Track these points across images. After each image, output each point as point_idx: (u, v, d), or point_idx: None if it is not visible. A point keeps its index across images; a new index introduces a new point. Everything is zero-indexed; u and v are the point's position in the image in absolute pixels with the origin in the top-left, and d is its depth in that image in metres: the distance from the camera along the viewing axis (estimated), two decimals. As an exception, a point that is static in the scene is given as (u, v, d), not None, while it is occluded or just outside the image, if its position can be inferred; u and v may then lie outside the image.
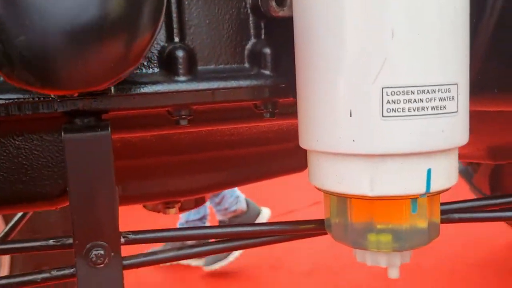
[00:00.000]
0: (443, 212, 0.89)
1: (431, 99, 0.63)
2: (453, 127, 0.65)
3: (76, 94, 0.70)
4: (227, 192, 2.92)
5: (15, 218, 1.26)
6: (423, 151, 0.64)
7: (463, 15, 0.67)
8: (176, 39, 0.83)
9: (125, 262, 0.80)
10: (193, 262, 3.30)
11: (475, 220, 0.89)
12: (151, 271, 3.10)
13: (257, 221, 3.10)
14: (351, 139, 0.64)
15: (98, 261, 0.76)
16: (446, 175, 0.67)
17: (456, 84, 0.65)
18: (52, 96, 0.72)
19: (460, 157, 1.35)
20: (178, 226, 3.00)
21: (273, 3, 0.81)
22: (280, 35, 0.85)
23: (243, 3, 0.87)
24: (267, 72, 0.85)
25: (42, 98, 0.71)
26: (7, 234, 1.13)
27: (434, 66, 0.63)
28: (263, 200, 3.67)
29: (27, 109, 0.72)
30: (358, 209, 0.71)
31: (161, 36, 0.82)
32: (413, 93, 0.62)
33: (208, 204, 3.40)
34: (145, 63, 0.81)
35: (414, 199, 0.67)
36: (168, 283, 3.13)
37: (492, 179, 2.83)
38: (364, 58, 0.63)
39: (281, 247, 3.59)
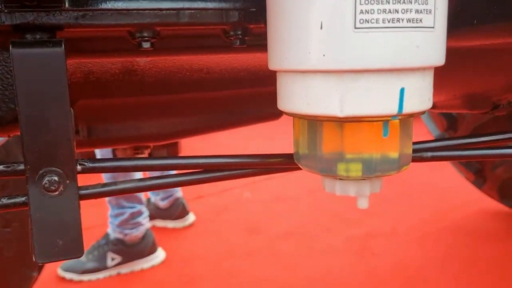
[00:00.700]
0: (415, 151, 0.87)
1: (407, 11, 0.59)
2: (429, 44, 0.61)
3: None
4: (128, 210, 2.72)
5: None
6: (396, 67, 0.60)
7: None
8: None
9: (81, 192, 0.76)
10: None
11: (447, 158, 0.87)
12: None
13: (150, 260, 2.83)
14: (321, 54, 0.60)
15: (52, 187, 0.71)
16: (420, 96, 0.64)
17: (434, -3, 0.61)
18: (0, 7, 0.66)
19: (437, 106, 1.33)
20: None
21: None
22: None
23: None
24: (237, -5, 0.80)
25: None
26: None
27: (412, -26, 0.59)
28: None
29: (-29, 20, 0.66)
30: (328, 138, 0.68)
31: None
32: (388, 3, 0.58)
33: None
34: (104, -23, 0.74)
35: (385, 121, 0.64)
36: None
37: (501, 190, 2.88)
38: (337, -36, 0.58)
39: (259, 213, 3.58)
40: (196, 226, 3.32)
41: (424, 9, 0.60)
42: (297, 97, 0.65)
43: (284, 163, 0.81)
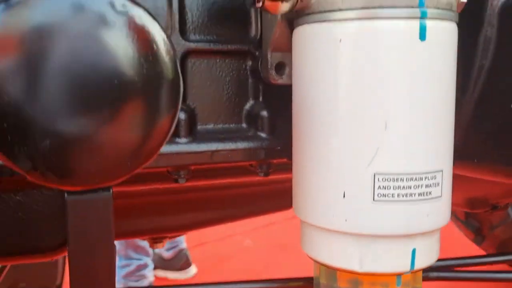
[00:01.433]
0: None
1: (418, 186, 0.68)
2: (437, 211, 0.70)
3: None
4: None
5: None
6: (409, 233, 0.69)
7: (450, 107, 0.72)
8: (178, 101, 0.86)
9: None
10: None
11: (452, 279, 0.95)
12: None
13: None
14: (344, 219, 0.69)
15: (94, 315, 0.79)
16: (429, 253, 0.72)
17: (441, 170, 0.70)
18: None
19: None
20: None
21: (273, 72, 0.85)
22: (278, 98, 0.89)
23: (244, 66, 0.91)
24: (263, 135, 0.89)
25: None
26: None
27: (423, 155, 0.68)
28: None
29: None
30: (346, 277, 0.76)
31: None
32: (402, 180, 0.67)
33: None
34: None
35: (399, 275, 0.72)
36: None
37: (500, 249, 2.95)
38: (358, 145, 0.68)
39: (260, 261, 3.56)
40: (197, 277, 3.37)
41: (433, 183, 0.69)
42: (320, 248, 0.74)
43: (304, 286, 0.89)
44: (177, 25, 0.85)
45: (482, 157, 0.91)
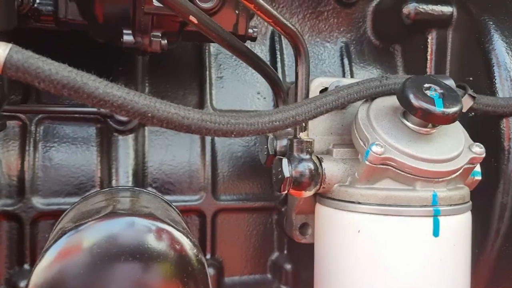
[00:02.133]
0: None
1: None
2: None
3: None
4: None
5: None
6: None
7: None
8: (208, 255, 0.92)
9: None
10: None
11: None
12: None
13: None
14: None
15: None
16: None
17: None
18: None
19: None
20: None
21: (297, 232, 0.91)
22: (302, 252, 0.94)
23: (270, 220, 0.97)
24: (286, 288, 0.94)
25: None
26: None
27: None
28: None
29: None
30: None
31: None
32: None
33: None
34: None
35: None
36: None
37: None
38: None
39: None
40: None
41: None
42: None
43: None
44: (209, 187, 0.92)
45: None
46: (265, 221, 0.97)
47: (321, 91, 0.86)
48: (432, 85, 0.74)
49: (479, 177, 0.84)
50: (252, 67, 0.82)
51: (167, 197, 0.90)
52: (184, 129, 0.59)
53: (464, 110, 0.80)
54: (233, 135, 0.63)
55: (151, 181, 0.91)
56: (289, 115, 0.68)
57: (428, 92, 0.73)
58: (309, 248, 0.86)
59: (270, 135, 0.85)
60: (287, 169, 0.76)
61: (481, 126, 0.95)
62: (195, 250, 0.63)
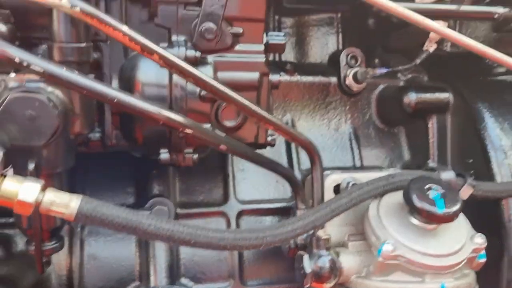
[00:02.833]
0: None
1: None
2: None
3: None
4: None
5: None
6: None
7: None
8: None
9: None
10: None
11: None
12: None
13: None
14: None
15: None
16: None
17: None
18: None
19: None
20: None
21: None
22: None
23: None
24: None
25: None
26: None
27: None
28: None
29: None
30: None
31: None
32: None
33: None
34: None
35: None
36: None
37: None
38: None
39: None
40: None
41: None
42: None
43: None
44: (237, 274, 1.01)
45: None
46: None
47: (335, 188, 0.96)
48: (434, 185, 0.84)
49: (483, 260, 0.92)
50: (272, 171, 0.92)
51: (199, 286, 0.99)
52: (221, 249, 0.68)
53: (464, 198, 0.89)
54: (262, 247, 0.73)
55: (184, 272, 1.00)
56: (308, 222, 0.78)
57: (430, 193, 0.82)
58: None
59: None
60: (308, 265, 0.85)
61: (483, 204, 1.04)
62: None
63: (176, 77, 0.80)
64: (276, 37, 0.92)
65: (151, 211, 0.98)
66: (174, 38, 0.82)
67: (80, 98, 0.72)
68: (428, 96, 1.14)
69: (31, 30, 0.77)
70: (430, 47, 1.12)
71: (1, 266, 0.92)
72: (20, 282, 0.91)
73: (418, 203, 0.80)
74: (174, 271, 0.99)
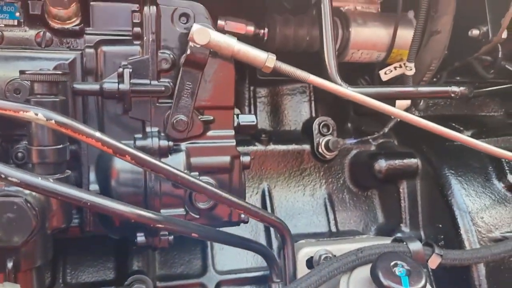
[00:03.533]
0: None
1: None
2: None
3: None
4: None
5: None
6: None
7: None
8: None
9: None
10: None
11: None
12: None
13: None
14: None
15: None
16: None
17: None
18: None
19: None
20: None
21: None
22: None
23: None
24: None
25: None
26: None
27: None
28: None
29: None
30: None
31: None
32: None
33: None
34: None
35: None
36: None
37: None
38: None
39: None
40: None
41: None
42: None
43: None
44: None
45: None
46: None
47: (307, 261, 0.99)
48: (399, 262, 0.87)
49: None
50: (246, 249, 0.96)
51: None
52: None
53: (433, 267, 0.93)
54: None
55: None
56: (280, 302, 0.81)
57: (396, 270, 0.86)
58: None
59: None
60: None
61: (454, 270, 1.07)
62: None
63: (150, 167, 0.85)
64: (247, 119, 0.98)
65: (130, 290, 1.01)
66: (148, 129, 0.88)
67: (57, 195, 0.76)
68: (398, 162, 1.20)
69: (11, 129, 0.82)
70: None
71: None
72: None
73: (384, 281, 0.84)
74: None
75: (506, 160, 1.16)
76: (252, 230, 1.16)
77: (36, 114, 0.66)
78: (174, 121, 0.87)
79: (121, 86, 0.83)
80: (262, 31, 1.12)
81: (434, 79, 1.33)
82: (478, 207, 1.10)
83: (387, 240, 1.08)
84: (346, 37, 1.12)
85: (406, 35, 1.13)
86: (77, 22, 0.85)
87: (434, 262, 0.95)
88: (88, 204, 0.69)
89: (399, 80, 1.19)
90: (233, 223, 0.96)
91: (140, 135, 0.87)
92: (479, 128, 1.28)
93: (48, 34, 0.85)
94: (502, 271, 1.06)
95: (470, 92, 1.03)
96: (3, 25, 0.83)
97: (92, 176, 0.87)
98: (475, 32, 1.06)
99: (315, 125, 1.24)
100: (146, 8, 0.86)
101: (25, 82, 0.79)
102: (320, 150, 1.23)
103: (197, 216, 0.90)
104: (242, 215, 0.97)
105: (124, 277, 1.03)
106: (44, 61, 0.83)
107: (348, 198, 1.26)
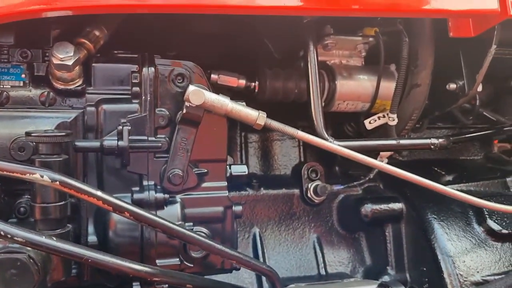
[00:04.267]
0: None
1: None
2: None
3: None
4: None
5: None
6: None
7: None
8: None
9: None
10: None
11: None
12: None
13: None
14: None
15: None
16: None
17: None
18: None
19: None
20: None
21: None
22: None
23: None
24: None
25: None
26: None
27: None
28: None
29: None
30: None
31: None
32: None
33: None
34: None
35: None
36: None
37: None
38: None
39: None
40: None
41: None
42: None
43: None
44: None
45: None
46: None
47: (298, 305, 1.03)
48: (383, 310, 0.92)
49: None
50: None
51: None
52: None
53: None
54: None
55: None
56: None
57: (379, 318, 0.90)
58: None
59: None
60: None
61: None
62: None
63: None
64: (239, 169, 1.04)
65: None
66: (145, 182, 0.92)
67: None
68: (383, 206, 1.25)
69: (14, 184, 0.86)
70: (382, 161, 1.25)
71: None
72: None
73: (369, 328, 0.88)
74: None
75: (486, 205, 1.22)
76: (245, 273, 1.19)
77: (42, 176, 0.71)
78: (170, 175, 0.91)
79: (120, 143, 0.88)
80: (253, 84, 1.18)
81: (417, 125, 1.40)
82: (459, 251, 1.15)
83: (374, 285, 1.12)
84: (333, 89, 1.19)
85: (388, 86, 1.21)
86: (80, 82, 0.91)
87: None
88: (89, 260, 0.72)
89: (383, 127, 1.25)
90: (225, 271, 1.00)
91: (137, 188, 0.92)
92: (460, 172, 1.35)
93: (51, 94, 0.90)
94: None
95: (448, 144, 1.10)
96: (9, 86, 0.89)
97: (91, 228, 0.91)
98: (452, 86, 1.14)
99: (304, 171, 1.29)
100: (144, 69, 0.92)
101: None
102: (309, 195, 1.28)
103: (191, 265, 0.94)
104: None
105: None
106: (47, 119, 0.88)
107: (336, 240, 1.30)
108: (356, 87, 1.20)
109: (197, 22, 1.13)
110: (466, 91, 1.13)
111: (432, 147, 1.08)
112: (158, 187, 0.92)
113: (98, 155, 0.92)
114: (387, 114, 1.19)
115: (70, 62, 0.86)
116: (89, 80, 0.92)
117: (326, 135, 1.03)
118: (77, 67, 0.88)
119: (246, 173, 1.03)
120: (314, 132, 1.07)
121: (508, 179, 1.30)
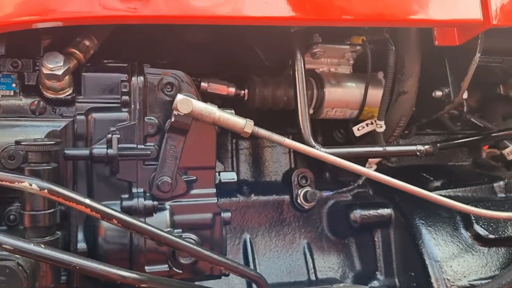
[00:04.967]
0: None
1: None
2: None
3: None
4: None
5: None
6: None
7: None
8: None
9: None
10: None
11: None
12: None
13: None
14: None
15: None
16: None
17: None
18: None
19: None
20: None
21: None
22: None
23: None
24: None
25: None
26: None
27: None
28: None
29: None
30: None
31: None
32: None
33: None
34: None
35: None
36: None
37: None
38: None
39: None
40: None
41: None
42: None
43: None
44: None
45: None
46: None
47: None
48: (372, 314, 0.93)
49: None
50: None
51: None
52: None
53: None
54: None
55: None
56: None
57: (368, 321, 0.92)
58: None
59: None
60: None
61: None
62: None
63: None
64: (228, 176, 1.05)
65: None
66: (134, 189, 0.94)
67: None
68: (372, 212, 1.26)
69: (3, 192, 0.87)
70: (371, 168, 1.27)
71: None
72: None
73: (356, 333, 0.89)
74: None
75: (473, 210, 1.23)
76: (236, 279, 1.20)
77: (30, 185, 0.72)
78: (159, 183, 0.93)
79: (110, 151, 0.89)
80: (242, 91, 1.20)
81: (406, 132, 1.42)
82: (447, 256, 1.16)
83: (362, 290, 1.14)
84: (321, 96, 1.21)
85: (376, 94, 1.22)
86: (70, 92, 0.92)
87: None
88: (77, 267, 0.74)
89: (372, 134, 1.27)
90: (214, 277, 1.01)
91: (126, 196, 0.93)
92: (448, 177, 1.36)
93: (42, 103, 0.91)
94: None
95: (434, 150, 1.12)
96: (0, 96, 0.90)
97: (80, 235, 0.92)
98: (438, 93, 1.16)
99: (294, 177, 1.31)
100: (134, 78, 0.94)
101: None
102: (299, 201, 1.29)
103: (180, 271, 0.95)
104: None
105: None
106: (37, 128, 0.89)
107: (326, 246, 1.32)
108: (344, 95, 1.22)
109: (187, 31, 1.15)
110: (452, 98, 1.15)
111: (418, 153, 1.09)
112: (147, 194, 0.93)
113: (88, 163, 0.93)
114: (375, 121, 1.21)
115: (60, 72, 0.87)
116: (79, 89, 0.94)
117: (313, 143, 1.05)
118: (67, 77, 0.89)
119: (235, 180, 1.05)
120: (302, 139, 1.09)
121: (495, 184, 1.32)
